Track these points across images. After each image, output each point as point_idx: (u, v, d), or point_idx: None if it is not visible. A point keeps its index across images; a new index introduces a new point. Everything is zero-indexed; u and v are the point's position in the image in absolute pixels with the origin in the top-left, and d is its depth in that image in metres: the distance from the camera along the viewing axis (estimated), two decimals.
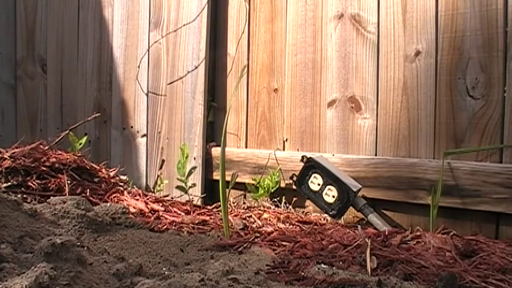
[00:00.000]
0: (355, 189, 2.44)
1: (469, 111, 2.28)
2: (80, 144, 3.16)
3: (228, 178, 2.47)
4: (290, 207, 2.76)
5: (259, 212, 2.66)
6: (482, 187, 2.21)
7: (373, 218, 2.41)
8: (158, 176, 3.24)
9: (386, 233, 2.20)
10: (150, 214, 2.61)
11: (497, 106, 2.22)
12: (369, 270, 1.80)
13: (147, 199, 2.82)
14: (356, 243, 2.05)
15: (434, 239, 2.07)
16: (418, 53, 2.41)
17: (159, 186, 3.18)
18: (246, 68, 2.98)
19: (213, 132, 3.16)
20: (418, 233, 2.17)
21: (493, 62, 2.23)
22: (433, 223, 2.25)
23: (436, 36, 2.36)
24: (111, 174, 3.03)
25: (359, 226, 2.28)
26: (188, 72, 3.11)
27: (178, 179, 2.75)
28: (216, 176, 2.99)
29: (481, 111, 2.26)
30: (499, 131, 2.22)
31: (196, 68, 3.07)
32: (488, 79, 2.24)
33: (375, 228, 2.37)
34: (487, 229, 2.24)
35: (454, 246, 1.98)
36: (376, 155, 2.54)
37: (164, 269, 1.80)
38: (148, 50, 3.31)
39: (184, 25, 3.14)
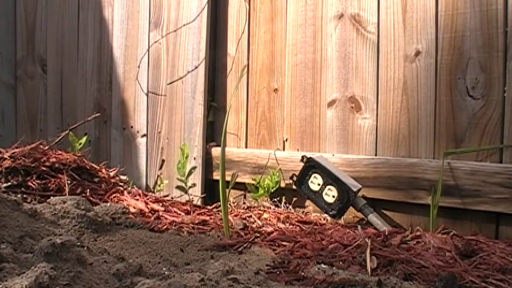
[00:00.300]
0: (355, 189, 2.44)
1: (469, 111, 2.28)
2: (80, 144, 3.17)
3: (228, 178, 2.47)
4: (290, 207, 2.76)
5: (259, 212, 2.66)
6: (482, 187, 2.20)
7: (373, 218, 2.41)
8: (158, 176, 3.24)
9: (386, 233, 2.20)
10: (150, 214, 2.61)
11: (497, 106, 2.22)
12: (369, 270, 1.80)
13: (147, 199, 2.82)
14: (356, 243, 2.04)
15: (434, 239, 2.07)
16: (418, 53, 2.41)
17: (159, 186, 3.18)
18: (246, 68, 2.98)
19: (213, 132, 3.16)
20: (418, 233, 2.17)
21: (493, 62, 2.23)
22: (433, 223, 2.25)
23: (436, 36, 2.36)
24: (111, 174, 3.03)
25: (359, 226, 2.28)
26: (188, 72, 3.11)
27: (178, 179, 2.75)
28: (216, 176, 2.99)
29: (481, 111, 2.26)
30: (499, 131, 2.22)
31: (196, 68, 3.07)
32: (488, 79, 2.24)
33: (375, 228, 2.37)
34: (487, 229, 2.24)
35: (454, 246, 1.97)
36: (376, 155, 2.54)
37: (164, 269, 1.80)
38: (148, 50, 3.31)
39: (184, 25, 3.14)
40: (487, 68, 2.24)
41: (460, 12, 2.30)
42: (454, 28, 2.32)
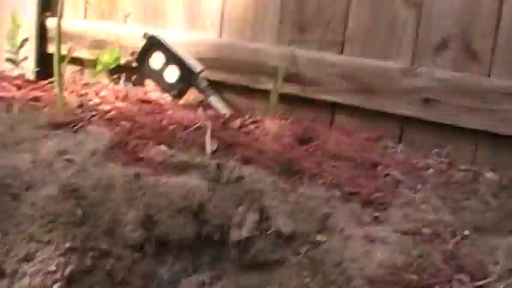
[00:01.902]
0: (197, 70, 2.40)
1: (316, 1, 2.29)
2: None
3: (64, 52, 2.33)
4: (130, 85, 2.68)
5: (97, 89, 2.56)
6: (323, 76, 2.26)
7: (214, 100, 2.41)
8: None
9: (227, 116, 2.22)
10: None
11: None
12: (209, 153, 1.81)
13: None
14: (196, 125, 2.05)
15: (273, 124, 2.12)
16: None
17: None
18: None
19: (49, 0, 2.93)
20: (258, 118, 2.21)
21: None
22: (273, 109, 2.29)
23: None
24: None
25: (200, 108, 2.28)
26: None
27: (8, 50, 2.57)
28: (51, 49, 2.81)
29: (328, 2, 2.28)
30: (343, 23, 2.27)
31: None
32: None
33: (216, 111, 2.37)
34: (324, 118, 2.33)
35: (292, 133, 2.04)
36: (221, 37, 2.50)
37: None
38: None
39: None
40: None
41: None
42: None
